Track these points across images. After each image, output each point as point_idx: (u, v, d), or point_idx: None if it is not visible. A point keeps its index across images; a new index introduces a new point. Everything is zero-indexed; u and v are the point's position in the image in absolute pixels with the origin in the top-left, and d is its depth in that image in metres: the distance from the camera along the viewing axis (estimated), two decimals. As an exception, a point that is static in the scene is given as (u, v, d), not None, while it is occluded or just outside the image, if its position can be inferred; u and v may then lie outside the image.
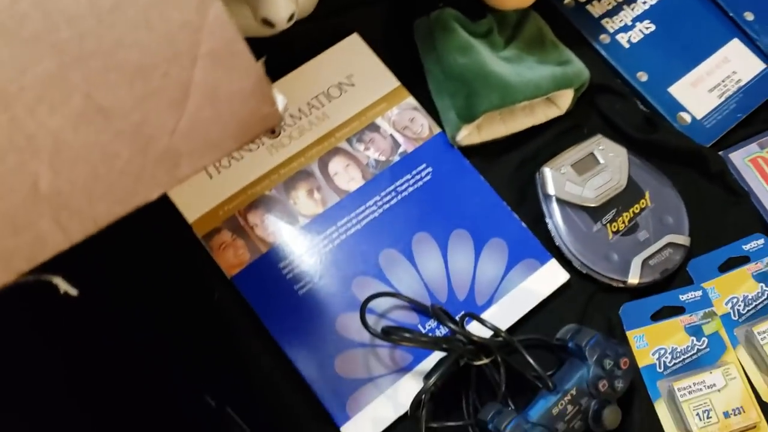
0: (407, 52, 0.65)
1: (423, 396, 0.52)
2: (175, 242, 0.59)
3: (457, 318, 0.54)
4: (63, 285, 0.35)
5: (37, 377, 0.54)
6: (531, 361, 0.51)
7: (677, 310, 0.59)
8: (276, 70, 0.63)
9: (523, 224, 0.60)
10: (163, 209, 0.59)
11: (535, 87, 0.60)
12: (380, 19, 0.67)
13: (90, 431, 0.53)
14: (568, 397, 0.51)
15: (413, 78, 0.64)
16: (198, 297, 0.58)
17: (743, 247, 0.62)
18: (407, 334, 0.53)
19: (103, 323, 0.56)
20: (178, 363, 0.56)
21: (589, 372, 0.52)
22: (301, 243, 0.58)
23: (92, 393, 0.54)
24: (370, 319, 0.55)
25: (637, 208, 0.61)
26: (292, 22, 0.52)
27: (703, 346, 0.58)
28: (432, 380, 0.52)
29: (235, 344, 0.57)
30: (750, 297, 0.60)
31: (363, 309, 0.54)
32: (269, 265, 0.58)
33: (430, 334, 0.56)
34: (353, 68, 0.64)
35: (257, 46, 0.39)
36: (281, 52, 0.59)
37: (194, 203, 0.59)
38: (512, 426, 0.49)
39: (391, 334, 0.53)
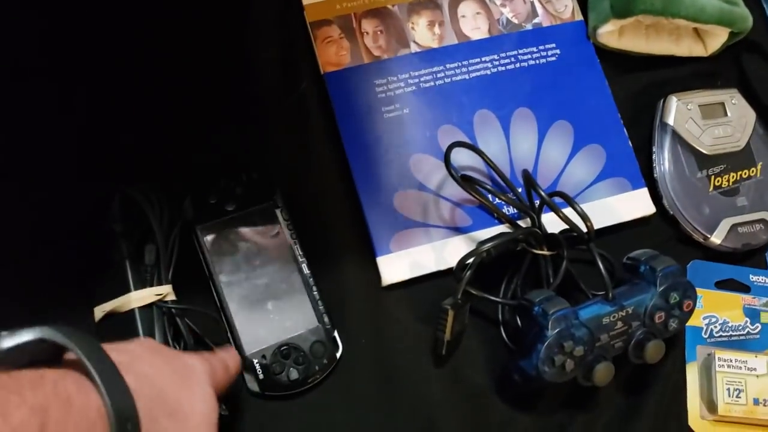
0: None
1: (473, 258, 0.49)
2: (282, 18, 0.55)
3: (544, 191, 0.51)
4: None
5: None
6: (601, 264, 0.48)
7: (743, 287, 0.56)
8: None
9: (630, 143, 0.57)
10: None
11: (699, 9, 0.55)
12: None
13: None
14: (623, 313, 0.48)
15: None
16: (285, 79, 0.54)
17: (831, 257, 0.58)
18: (488, 187, 0.50)
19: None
20: (242, 136, 0.53)
21: (652, 298, 0.48)
22: (404, 69, 0.55)
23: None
24: (447, 168, 0.52)
25: (745, 173, 0.57)
26: None
27: (756, 331, 0.56)
28: (487, 246, 0.49)
29: (304, 139, 0.53)
30: (818, 306, 0.57)
31: (449, 149, 0.51)
32: (366, 76, 0.54)
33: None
34: None
35: None
36: None
37: (314, -14, 0.55)
38: (561, 314, 0.46)
39: (471, 182, 0.50)
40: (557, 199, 0.50)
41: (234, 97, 0.53)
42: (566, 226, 0.50)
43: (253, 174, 0.51)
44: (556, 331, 0.46)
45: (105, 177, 0.49)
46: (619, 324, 0.48)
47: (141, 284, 0.45)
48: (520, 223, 0.53)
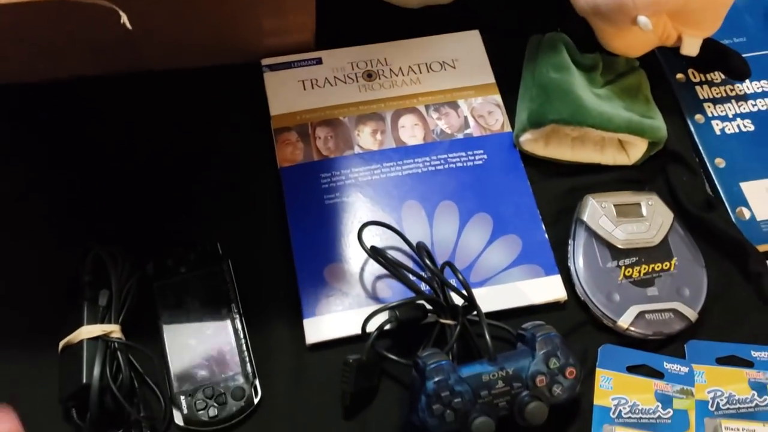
0: (516, 63, 0.71)
1: (380, 319, 0.56)
2: (253, 124, 0.68)
3: (438, 265, 0.58)
4: (124, 17, 0.44)
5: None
6: (485, 327, 0.54)
7: (656, 374, 0.59)
8: (405, 34, 0.72)
9: (546, 235, 0.63)
10: (257, 98, 0.69)
11: (606, 119, 0.63)
12: (504, 28, 0.73)
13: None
14: (503, 373, 0.52)
15: (510, 84, 0.70)
16: (247, 171, 0.66)
17: (753, 352, 0.60)
18: (389, 258, 0.57)
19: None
20: (205, 214, 0.64)
21: (532, 362, 0.53)
22: (347, 166, 0.65)
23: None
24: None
25: (658, 267, 0.61)
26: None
27: (667, 416, 0.57)
28: (390, 305, 0.56)
29: (257, 218, 0.64)
30: (737, 398, 0.58)
31: (363, 227, 0.59)
32: (314, 171, 0.65)
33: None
34: (461, 55, 0.71)
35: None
36: (416, 21, 0.71)
37: (282, 102, 0.68)
38: (438, 365, 0.51)
39: (377, 253, 0.58)
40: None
41: (203, 183, 0.65)
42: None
43: (206, 245, 0.61)
44: (434, 380, 0.51)
45: (91, 239, 0.61)
46: (500, 383, 0.52)
47: (93, 322, 0.55)
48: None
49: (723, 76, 0.71)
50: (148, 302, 0.59)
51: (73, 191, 0.64)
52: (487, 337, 0.53)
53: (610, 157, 0.67)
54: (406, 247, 0.61)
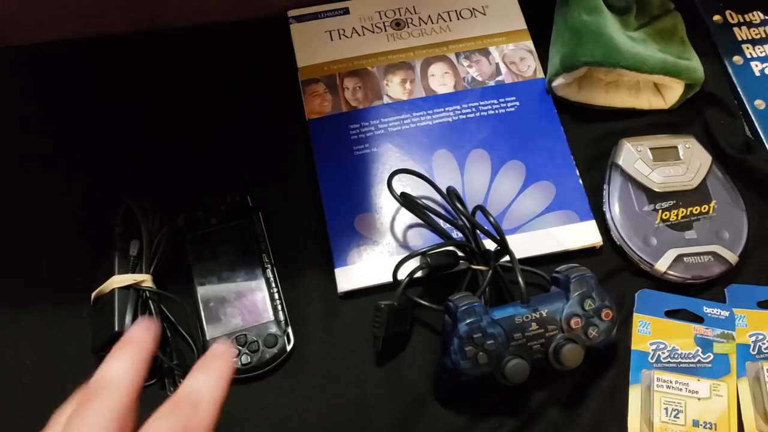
0: (548, 9, 0.69)
1: (411, 265, 0.55)
2: (281, 76, 0.67)
3: (469, 210, 0.57)
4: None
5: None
6: (517, 269, 0.53)
7: (695, 318, 0.58)
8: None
9: (580, 181, 0.62)
10: (282, 49, 0.68)
11: (640, 60, 0.61)
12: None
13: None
14: (537, 315, 0.51)
15: (542, 30, 0.68)
16: (275, 123, 0.65)
17: (796, 297, 0.58)
18: (419, 204, 0.57)
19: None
20: (236, 167, 0.64)
21: (566, 305, 0.52)
22: (376, 116, 0.64)
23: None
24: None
25: (696, 210, 0.60)
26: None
27: (707, 360, 0.56)
28: (421, 251, 0.55)
29: (286, 169, 0.63)
30: (780, 342, 0.57)
31: (392, 176, 0.58)
32: (342, 122, 0.64)
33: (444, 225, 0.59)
34: (491, 1, 0.70)
35: None
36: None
37: (309, 53, 0.67)
38: (470, 307, 0.51)
39: (407, 199, 0.57)
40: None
41: (232, 137, 0.65)
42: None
43: (236, 196, 0.61)
44: (466, 322, 0.50)
45: (123, 193, 0.61)
46: (534, 325, 0.51)
47: (124, 272, 0.56)
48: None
49: (763, 16, 0.69)
50: (180, 256, 0.59)
51: (105, 146, 0.65)
52: (520, 278, 0.52)
53: (646, 101, 0.65)
54: (437, 197, 0.60)
